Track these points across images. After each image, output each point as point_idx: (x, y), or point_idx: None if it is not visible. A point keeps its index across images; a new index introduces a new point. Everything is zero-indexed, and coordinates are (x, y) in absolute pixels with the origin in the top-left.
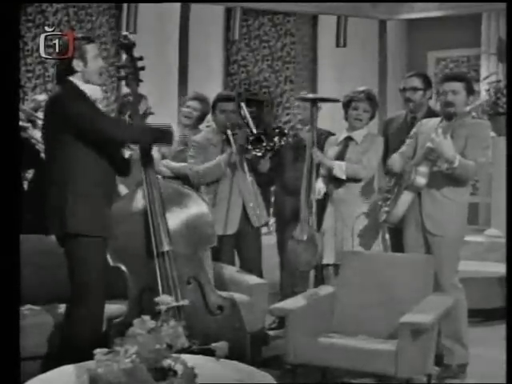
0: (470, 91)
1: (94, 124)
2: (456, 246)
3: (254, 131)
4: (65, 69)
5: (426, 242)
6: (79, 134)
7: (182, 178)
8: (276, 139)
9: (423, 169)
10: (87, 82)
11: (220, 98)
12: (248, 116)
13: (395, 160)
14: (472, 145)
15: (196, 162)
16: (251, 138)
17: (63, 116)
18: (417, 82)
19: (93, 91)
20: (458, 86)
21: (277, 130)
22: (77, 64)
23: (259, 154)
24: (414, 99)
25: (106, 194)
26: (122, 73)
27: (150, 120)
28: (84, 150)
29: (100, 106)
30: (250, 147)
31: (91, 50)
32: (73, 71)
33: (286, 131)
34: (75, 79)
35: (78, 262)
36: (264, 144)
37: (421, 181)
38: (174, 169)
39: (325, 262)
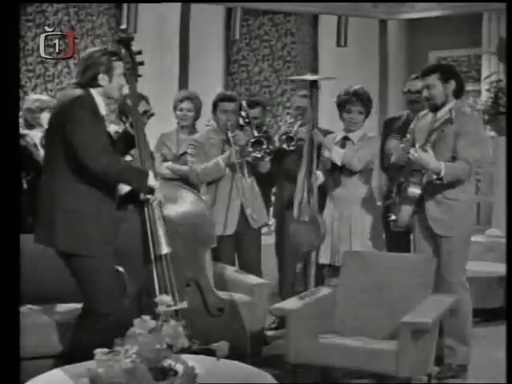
0: (446, 79)
1: (92, 160)
2: (464, 245)
3: (255, 133)
4: (88, 81)
5: (434, 243)
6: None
7: (184, 179)
8: (285, 145)
9: (414, 179)
10: (105, 96)
11: (222, 98)
12: (249, 117)
13: (392, 142)
14: (461, 144)
15: (195, 161)
16: (252, 140)
17: (70, 127)
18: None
19: (104, 107)
20: (432, 79)
21: (283, 137)
22: (102, 78)
23: (258, 155)
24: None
25: (103, 210)
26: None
27: (151, 120)
28: (77, 164)
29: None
30: (250, 149)
31: (118, 67)
32: (96, 84)
33: (293, 135)
34: (95, 91)
35: (80, 276)
36: (264, 146)
37: (414, 191)
38: (177, 170)
39: (321, 262)
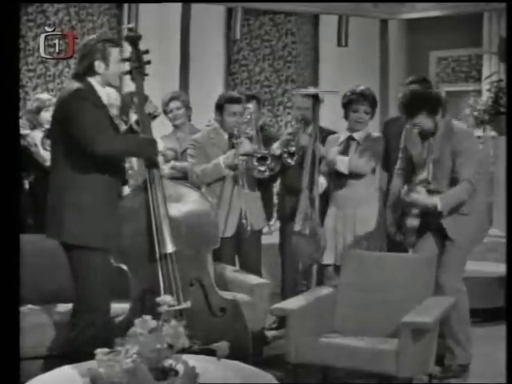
0: (434, 112)
1: (93, 144)
2: (469, 248)
3: (263, 150)
4: (85, 70)
5: (440, 246)
6: (77, 144)
7: (188, 177)
8: (288, 160)
9: (414, 211)
10: (105, 84)
11: (229, 100)
12: (255, 122)
13: (395, 184)
14: (459, 162)
15: (196, 162)
16: (258, 156)
17: (70, 119)
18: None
19: (109, 95)
20: (420, 119)
21: (285, 154)
22: (98, 65)
23: (262, 169)
24: None
25: (107, 203)
26: (127, 67)
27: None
28: (84, 157)
29: (113, 110)
30: (255, 163)
31: (115, 53)
32: (93, 73)
33: (294, 151)
34: (93, 81)
35: (78, 270)
36: (268, 162)
37: (413, 223)
38: (181, 168)
39: (324, 262)
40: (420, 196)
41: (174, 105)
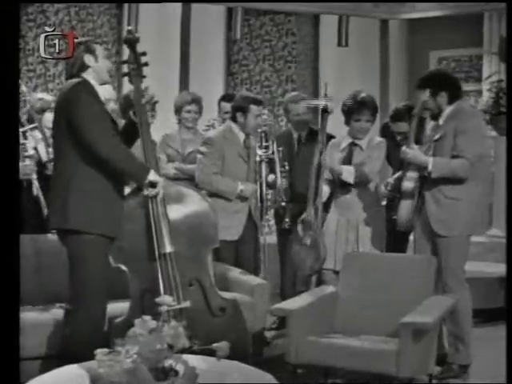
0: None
1: (97, 147)
2: (462, 245)
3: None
4: (77, 67)
5: (433, 243)
6: (80, 141)
7: (192, 179)
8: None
9: (410, 174)
10: (99, 80)
11: (254, 101)
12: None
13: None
14: (461, 141)
15: (208, 162)
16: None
17: (73, 113)
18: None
19: (105, 92)
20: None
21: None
22: (88, 59)
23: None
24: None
25: (112, 192)
26: (125, 69)
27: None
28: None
29: (110, 106)
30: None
31: (100, 48)
32: (85, 67)
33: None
34: (88, 76)
35: (78, 259)
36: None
37: (408, 185)
38: (185, 170)
39: (326, 267)
40: (414, 152)
41: (194, 107)
